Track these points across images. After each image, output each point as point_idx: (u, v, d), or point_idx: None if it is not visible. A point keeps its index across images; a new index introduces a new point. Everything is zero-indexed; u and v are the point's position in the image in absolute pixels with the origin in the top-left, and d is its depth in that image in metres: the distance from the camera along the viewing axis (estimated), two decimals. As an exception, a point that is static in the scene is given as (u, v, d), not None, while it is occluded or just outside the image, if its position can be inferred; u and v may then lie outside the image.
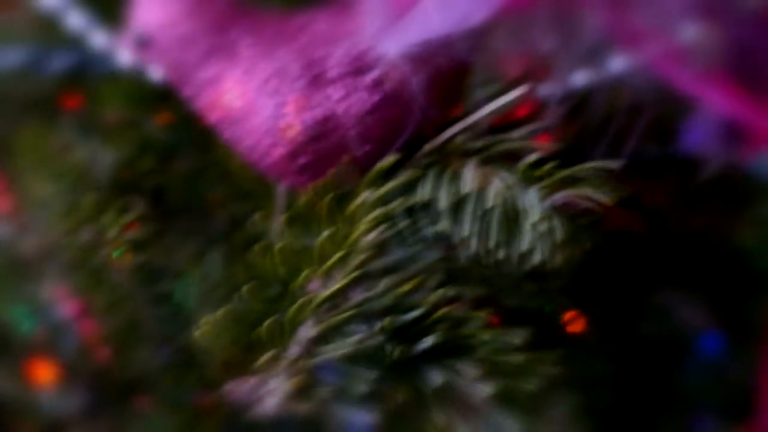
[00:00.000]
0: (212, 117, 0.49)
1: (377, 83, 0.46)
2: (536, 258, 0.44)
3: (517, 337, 0.45)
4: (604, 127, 0.46)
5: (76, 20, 0.59)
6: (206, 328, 0.46)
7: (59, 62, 0.60)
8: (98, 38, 0.59)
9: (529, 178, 0.45)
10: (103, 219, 0.56)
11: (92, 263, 0.57)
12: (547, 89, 0.48)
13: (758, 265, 0.58)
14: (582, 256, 0.45)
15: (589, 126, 0.46)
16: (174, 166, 0.61)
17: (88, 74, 0.60)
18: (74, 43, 0.59)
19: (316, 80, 0.47)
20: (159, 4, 0.48)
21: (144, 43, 0.49)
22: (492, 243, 0.45)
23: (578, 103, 0.48)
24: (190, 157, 0.61)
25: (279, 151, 0.47)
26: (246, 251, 0.49)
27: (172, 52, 0.49)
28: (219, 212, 0.59)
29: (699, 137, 0.46)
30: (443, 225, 0.46)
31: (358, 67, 0.47)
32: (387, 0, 0.45)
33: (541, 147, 0.46)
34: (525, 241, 0.44)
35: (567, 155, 0.46)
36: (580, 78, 0.48)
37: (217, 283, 0.56)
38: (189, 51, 0.48)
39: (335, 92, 0.47)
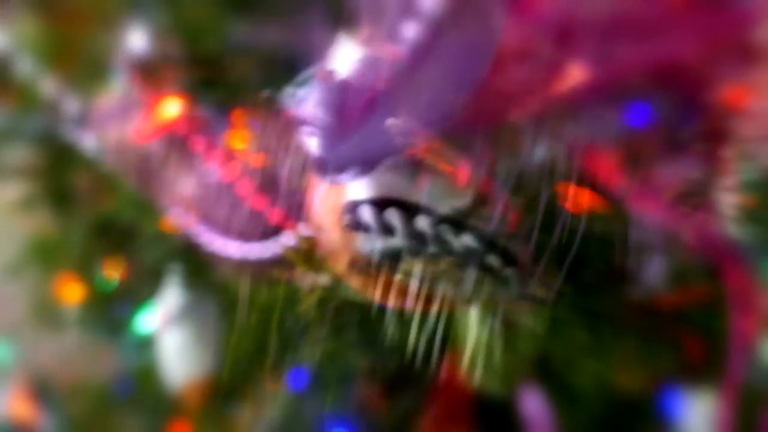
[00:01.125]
0: (175, 223, 0.51)
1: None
2: (479, 368, 0.46)
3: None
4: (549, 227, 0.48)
5: (49, 87, 0.60)
6: None
7: (32, 127, 0.61)
8: (70, 104, 0.60)
9: (473, 294, 0.46)
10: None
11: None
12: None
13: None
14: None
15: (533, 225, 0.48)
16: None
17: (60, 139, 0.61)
18: (48, 108, 0.60)
19: (264, 196, 0.48)
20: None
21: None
22: (436, 351, 0.47)
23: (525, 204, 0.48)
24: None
25: (232, 256, 0.49)
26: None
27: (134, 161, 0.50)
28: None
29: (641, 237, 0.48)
30: (390, 331, 0.47)
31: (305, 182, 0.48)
32: (329, 122, 0.46)
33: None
34: (467, 353, 0.46)
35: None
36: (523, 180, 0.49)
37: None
38: (147, 160, 0.50)
39: (281, 204, 0.48)
